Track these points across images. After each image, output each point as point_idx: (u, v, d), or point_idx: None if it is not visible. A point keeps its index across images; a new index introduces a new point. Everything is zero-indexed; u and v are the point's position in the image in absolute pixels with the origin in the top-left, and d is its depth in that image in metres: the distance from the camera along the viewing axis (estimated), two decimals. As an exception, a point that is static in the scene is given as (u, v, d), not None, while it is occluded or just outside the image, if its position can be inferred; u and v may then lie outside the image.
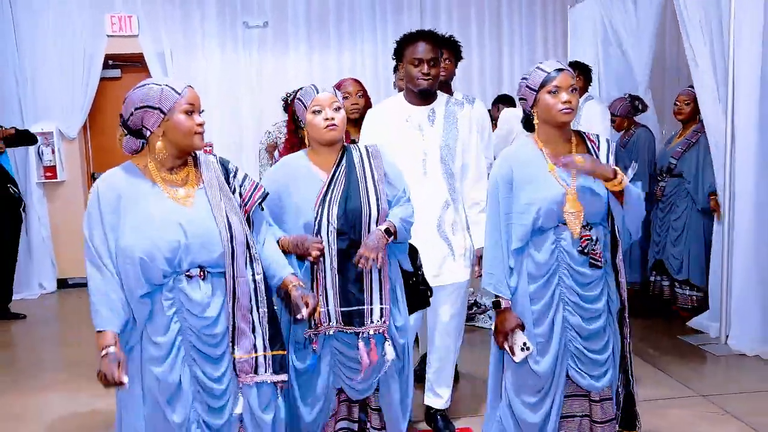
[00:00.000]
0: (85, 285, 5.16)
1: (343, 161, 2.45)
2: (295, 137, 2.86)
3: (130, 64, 6.57)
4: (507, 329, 2.33)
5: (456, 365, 3.42)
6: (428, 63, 2.83)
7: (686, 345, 4.27)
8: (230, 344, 2.03)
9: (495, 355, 2.49)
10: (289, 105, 3.01)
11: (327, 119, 2.37)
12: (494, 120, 4.73)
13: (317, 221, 2.35)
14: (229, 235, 2.03)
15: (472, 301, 4.67)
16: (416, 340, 3.60)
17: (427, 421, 3.15)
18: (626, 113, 4.98)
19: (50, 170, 6.31)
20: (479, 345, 4.10)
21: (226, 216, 2.06)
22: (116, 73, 6.63)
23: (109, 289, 1.96)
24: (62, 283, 6.46)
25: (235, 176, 2.16)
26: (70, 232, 6.35)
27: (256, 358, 2.08)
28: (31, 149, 6.15)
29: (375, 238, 2.32)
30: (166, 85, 1.99)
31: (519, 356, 2.34)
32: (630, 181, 2.29)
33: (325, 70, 6.55)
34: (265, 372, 2.09)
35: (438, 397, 3.12)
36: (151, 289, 1.96)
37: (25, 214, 5.61)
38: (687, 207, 4.59)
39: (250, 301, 2.07)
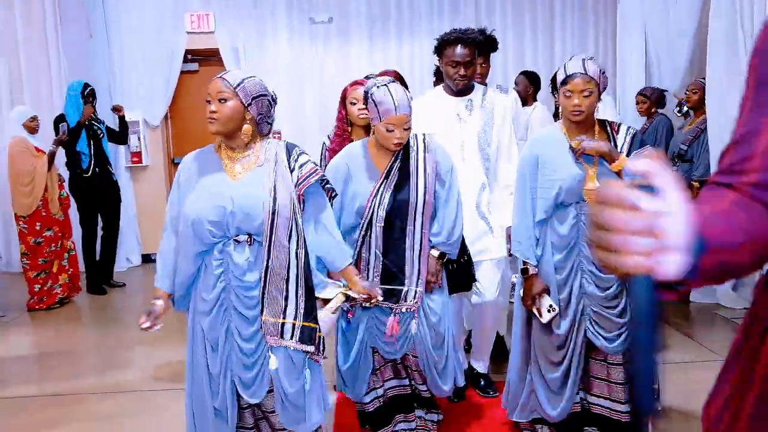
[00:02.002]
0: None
1: (400, 154, 2.65)
2: (346, 125, 3.27)
3: (207, 58, 7.12)
4: (534, 293, 2.61)
5: (503, 338, 3.77)
6: (464, 65, 3.09)
7: (709, 311, 4.57)
8: (260, 306, 2.21)
9: (520, 321, 2.74)
10: (342, 95, 3.31)
11: (397, 138, 2.55)
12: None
13: (370, 208, 2.59)
14: (272, 207, 2.20)
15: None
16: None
17: (471, 382, 3.46)
18: (655, 100, 5.24)
19: (136, 155, 6.96)
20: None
21: (274, 189, 2.22)
22: (194, 66, 7.21)
23: (167, 256, 2.31)
24: (146, 258, 7.12)
25: (297, 159, 2.30)
26: (152, 212, 7.00)
27: (283, 324, 2.22)
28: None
29: (434, 265, 2.65)
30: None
31: (546, 317, 2.59)
32: None
33: (385, 63, 6.88)
34: (291, 339, 2.23)
35: (480, 361, 3.46)
36: (203, 248, 2.22)
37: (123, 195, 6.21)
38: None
39: (287, 270, 2.22)
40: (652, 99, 5.24)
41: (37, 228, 5.33)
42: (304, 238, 2.28)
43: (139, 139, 6.94)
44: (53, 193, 5.40)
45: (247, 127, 2.23)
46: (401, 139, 2.56)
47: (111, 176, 5.81)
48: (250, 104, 2.20)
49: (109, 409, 3.52)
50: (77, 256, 5.74)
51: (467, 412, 3.29)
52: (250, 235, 2.23)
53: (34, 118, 5.37)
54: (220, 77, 2.22)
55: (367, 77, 3.52)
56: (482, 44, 3.32)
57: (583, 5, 7.15)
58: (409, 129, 2.58)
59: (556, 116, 4.81)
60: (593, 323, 2.61)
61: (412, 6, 7.05)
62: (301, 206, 2.30)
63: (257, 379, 2.25)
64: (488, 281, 3.24)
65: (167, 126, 7.27)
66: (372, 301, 2.42)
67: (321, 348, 2.30)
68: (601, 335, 2.60)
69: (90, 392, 3.73)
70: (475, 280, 3.00)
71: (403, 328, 2.66)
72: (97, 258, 5.93)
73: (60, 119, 5.46)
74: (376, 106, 2.53)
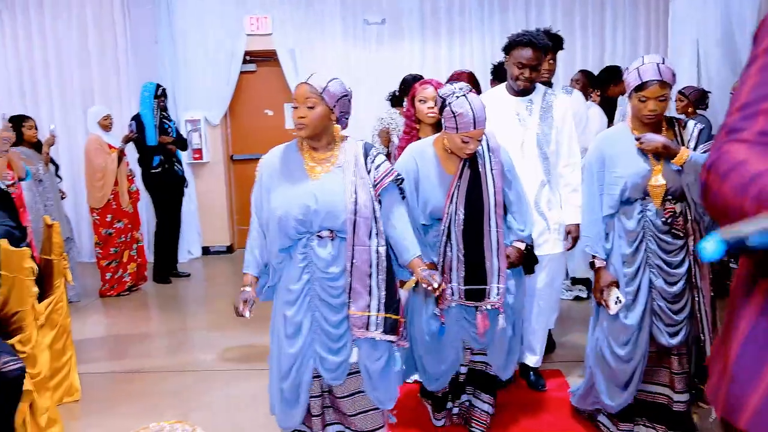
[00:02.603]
0: (223, 253, 6.23)
1: (468, 159, 2.71)
2: (414, 123, 3.32)
3: (265, 59, 7.41)
4: (602, 285, 2.70)
5: (551, 334, 3.84)
6: (530, 68, 3.17)
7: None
8: (348, 300, 2.36)
9: (593, 318, 2.88)
10: (409, 90, 3.39)
11: (470, 149, 2.64)
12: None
13: (447, 215, 2.69)
14: (353, 207, 2.33)
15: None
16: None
17: (521, 375, 3.55)
18: (694, 99, 5.26)
19: (197, 152, 7.29)
20: (579, 321, 4.50)
21: (355, 191, 2.35)
22: (252, 67, 7.50)
23: (254, 243, 2.46)
24: (205, 250, 7.46)
25: (373, 160, 2.42)
26: (212, 206, 7.37)
27: (369, 317, 2.35)
28: (183, 134, 7.14)
29: (519, 258, 2.80)
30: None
31: (613, 309, 2.67)
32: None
33: (435, 63, 7.09)
34: (376, 330, 2.37)
35: (532, 355, 3.49)
36: (288, 243, 2.37)
37: (186, 191, 6.54)
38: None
39: (370, 267, 2.35)
40: (690, 98, 5.27)
41: (108, 220, 5.69)
42: (384, 235, 2.41)
43: (200, 136, 7.27)
44: (123, 187, 5.75)
45: (336, 127, 2.40)
46: (474, 150, 2.65)
47: (178, 172, 6.14)
48: (334, 106, 2.32)
49: (177, 385, 3.81)
50: (144, 247, 6.09)
51: (526, 397, 3.39)
52: (332, 231, 2.37)
53: (107, 117, 5.73)
54: (306, 83, 2.32)
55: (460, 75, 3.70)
56: (552, 45, 3.37)
57: (634, 3, 7.16)
58: (480, 141, 2.67)
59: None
60: (657, 317, 2.69)
61: (462, 7, 7.18)
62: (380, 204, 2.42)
63: (341, 365, 2.40)
64: (540, 275, 3.31)
65: (226, 124, 7.58)
66: (434, 288, 2.42)
67: (404, 336, 2.47)
68: (665, 331, 2.68)
69: (160, 370, 4.04)
70: (537, 262, 3.04)
71: (491, 323, 2.76)
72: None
73: (136, 118, 5.81)
74: (454, 116, 2.57)
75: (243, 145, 7.63)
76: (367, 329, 2.36)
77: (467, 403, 3.00)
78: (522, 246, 2.81)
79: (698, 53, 6.10)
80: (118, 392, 3.73)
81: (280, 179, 2.41)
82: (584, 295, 5.11)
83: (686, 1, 6.26)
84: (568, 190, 3.29)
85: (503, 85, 3.38)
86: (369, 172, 2.41)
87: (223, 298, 5.45)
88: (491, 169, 2.72)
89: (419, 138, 3.26)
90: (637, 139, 2.64)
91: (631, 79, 2.61)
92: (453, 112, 2.57)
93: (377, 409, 2.51)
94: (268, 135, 7.45)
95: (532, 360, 3.52)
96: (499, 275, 2.72)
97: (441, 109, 2.65)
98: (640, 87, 2.57)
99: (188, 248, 7.27)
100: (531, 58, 3.15)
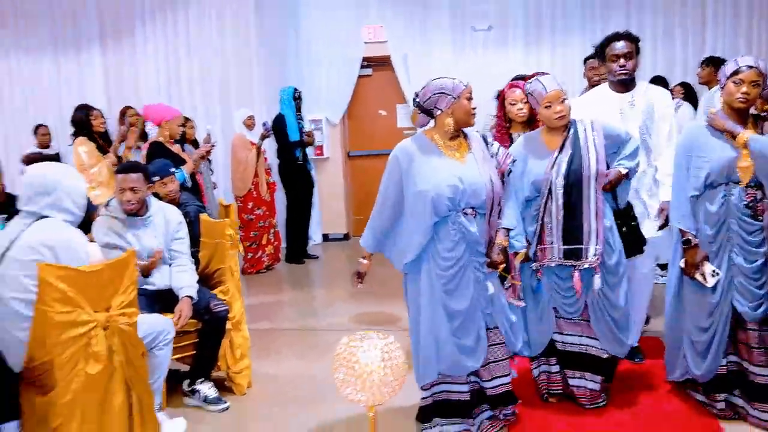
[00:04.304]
0: (341, 240, 6.99)
1: (570, 134, 3.06)
2: (504, 122, 3.83)
3: (380, 64, 8.14)
4: (696, 261, 2.97)
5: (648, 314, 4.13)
6: (624, 57, 3.43)
7: None
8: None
9: (673, 291, 3.11)
10: (500, 94, 3.85)
11: (556, 112, 3.01)
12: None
13: (548, 179, 2.99)
14: (491, 186, 2.78)
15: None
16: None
17: None
18: (765, 98, 5.44)
19: (319, 149, 8.09)
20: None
21: (489, 173, 2.80)
22: (369, 71, 8.25)
23: (376, 222, 2.89)
24: (325, 237, 8.28)
25: (491, 147, 2.92)
26: (331, 197, 8.16)
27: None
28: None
29: (615, 173, 3.05)
30: (455, 79, 2.80)
31: (711, 281, 2.91)
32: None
33: (539, 67, 7.44)
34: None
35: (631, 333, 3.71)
36: (438, 219, 2.76)
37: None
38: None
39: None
40: (763, 97, 5.43)
41: (249, 207, 6.58)
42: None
43: (321, 134, 8.08)
44: (262, 178, 6.63)
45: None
46: (561, 111, 2.98)
47: (308, 166, 6.97)
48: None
49: (313, 342, 4.57)
50: (279, 232, 6.95)
51: (629, 376, 3.58)
52: (473, 208, 2.80)
53: (250, 117, 6.62)
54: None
55: (517, 78, 4.07)
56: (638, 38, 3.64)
57: (735, 3, 7.32)
58: (565, 101, 2.99)
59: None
60: (738, 293, 2.95)
61: (565, 14, 7.62)
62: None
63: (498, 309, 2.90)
64: (643, 258, 3.49)
65: (345, 124, 8.36)
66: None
67: (520, 297, 3.03)
68: (746, 304, 2.93)
69: (300, 329, 4.84)
70: (645, 243, 3.25)
71: (586, 284, 3.03)
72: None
73: (278, 118, 6.68)
74: (533, 96, 3.04)
75: (359, 143, 8.40)
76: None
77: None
78: (624, 171, 3.08)
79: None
80: (270, 344, 4.53)
81: (423, 165, 2.78)
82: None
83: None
84: (665, 174, 3.49)
85: (606, 84, 3.67)
86: (492, 157, 2.90)
87: (344, 277, 6.26)
88: (594, 144, 3.03)
89: (510, 136, 3.71)
90: (711, 117, 2.96)
91: (727, 67, 2.92)
92: (530, 94, 3.06)
93: (507, 359, 2.98)
94: (381, 133, 8.23)
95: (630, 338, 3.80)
96: (597, 237, 2.99)
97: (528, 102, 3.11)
98: (737, 71, 2.87)
99: (310, 235, 8.06)
100: (623, 47, 3.44)
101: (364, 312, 5.16)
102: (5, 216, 3.74)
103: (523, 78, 3.87)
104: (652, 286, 3.86)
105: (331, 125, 8.18)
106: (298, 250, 7.08)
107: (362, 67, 8.11)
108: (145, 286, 3.37)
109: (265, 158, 6.75)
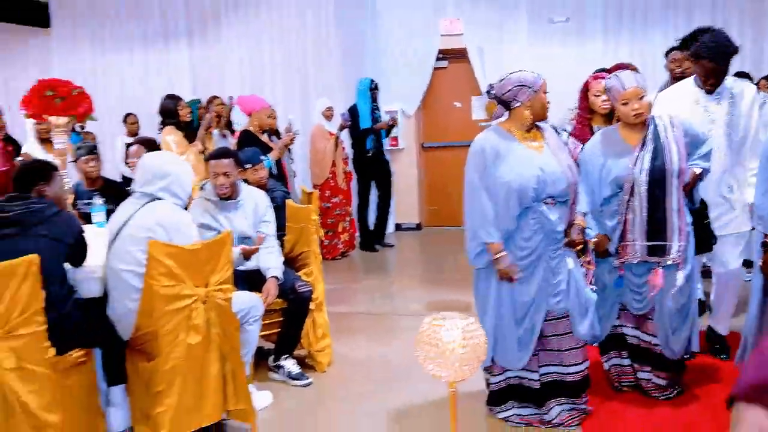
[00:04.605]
0: (413, 229, 7.12)
1: (650, 130, 3.07)
2: (586, 114, 3.82)
3: (456, 56, 8.20)
4: None
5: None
6: (714, 76, 3.45)
7: None
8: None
9: (756, 290, 3.00)
10: (584, 85, 3.84)
11: (634, 109, 3.01)
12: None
13: (631, 176, 3.00)
14: (570, 174, 2.88)
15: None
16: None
17: (707, 339, 3.76)
18: None
19: (394, 140, 8.22)
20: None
21: (567, 161, 2.90)
22: (444, 64, 8.33)
23: (488, 214, 2.87)
24: (397, 227, 8.43)
25: (562, 138, 3.11)
26: (405, 187, 8.27)
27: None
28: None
29: (691, 174, 3.09)
30: (534, 72, 2.89)
31: None
32: None
33: (616, 59, 7.36)
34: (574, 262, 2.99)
35: (720, 324, 3.74)
36: (521, 210, 2.86)
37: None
38: None
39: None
40: None
41: (326, 195, 6.79)
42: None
43: (397, 126, 8.22)
44: (339, 168, 6.84)
45: None
46: (638, 109, 2.99)
47: (383, 155, 7.14)
48: None
49: (388, 326, 4.77)
50: (355, 220, 7.15)
51: (711, 370, 3.60)
52: (552, 197, 2.90)
53: (329, 108, 6.83)
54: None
55: (602, 70, 4.03)
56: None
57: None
58: (643, 99, 2.99)
59: None
60: None
61: (646, 6, 7.48)
62: None
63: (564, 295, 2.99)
64: (731, 254, 3.58)
65: (419, 115, 8.48)
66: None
67: (591, 281, 3.19)
68: None
69: (375, 314, 5.00)
70: (715, 241, 3.31)
71: (667, 280, 3.07)
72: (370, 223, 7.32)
73: (352, 108, 6.87)
74: (611, 92, 3.08)
75: (433, 134, 8.51)
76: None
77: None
78: (698, 171, 3.14)
79: None
80: (347, 326, 4.72)
81: (506, 157, 2.87)
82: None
83: None
84: (750, 174, 3.47)
85: (691, 78, 3.66)
86: (564, 145, 3.02)
87: (417, 265, 6.48)
88: (675, 140, 3.05)
89: (591, 128, 3.72)
90: None
91: None
92: (609, 90, 3.09)
93: (581, 347, 3.05)
94: (456, 125, 8.32)
95: (719, 328, 3.77)
96: (680, 233, 3.03)
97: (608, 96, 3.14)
98: None
99: (383, 224, 8.27)
100: (713, 69, 3.43)
101: (437, 299, 5.30)
102: (104, 199, 4.07)
103: (609, 71, 3.83)
104: (739, 282, 3.81)
105: (406, 117, 8.31)
106: (371, 238, 7.25)
107: (438, 59, 8.18)
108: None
109: (343, 148, 6.95)
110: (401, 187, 8.29)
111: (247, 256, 3.40)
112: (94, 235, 3.25)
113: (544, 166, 2.87)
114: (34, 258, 2.51)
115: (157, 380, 2.81)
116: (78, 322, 2.79)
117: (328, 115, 6.83)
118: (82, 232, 2.89)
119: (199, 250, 2.87)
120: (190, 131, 5.72)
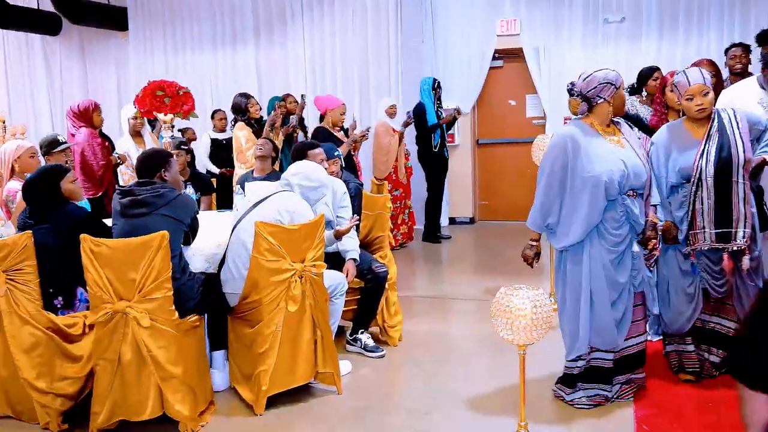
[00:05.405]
0: (466, 223, 7.48)
1: (715, 124, 3.20)
2: (663, 108, 4.02)
3: (511, 56, 8.49)
4: None
5: None
6: None
7: None
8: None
9: None
10: (645, 81, 4.15)
11: (697, 105, 3.17)
12: None
13: (698, 166, 3.15)
14: (649, 167, 3.09)
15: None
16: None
17: None
18: None
19: (450, 136, 8.53)
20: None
21: (645, 156, 3.09)
22: (500, 63, 8.62)
23: (544, 203, 3.08)
24: (452, 221, 8.77)
25: (635, 132, 3.20)
26: (460, 183, 8.61)
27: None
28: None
29: (758, 160, 3.17)
30: (614, 71, 3.06)
31: None
32: None
33: (671, 60, 7.50)
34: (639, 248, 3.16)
35: None
36: (606, 202, 3.00)
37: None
38: None
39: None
40: None
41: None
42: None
43: (460, 115, 8.50)
44: (401, 163, 7.21)
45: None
46: (702, 104, 3.14)
47: (446, 151, 7.51)
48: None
49: (448, 308, 5.17)
50: (414, 213, 7.53)
51: None
52: (634, 190, 3.07)
53: (392, 106, 7.21)
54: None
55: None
56: None
57: None
58: (707, 95, 3.13)
59: None
60: None
61: (702, 6, 7.59)
62: None
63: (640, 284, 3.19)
64: None
65: (474, 113, 8.80)
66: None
67: (652, 264, 3.30)
68: None
69: (434, 297, 5.35)
70: None
71: (736, 265, 3.24)
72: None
73: (418, 106, 7.24)
74: (677, 88, 3.22)
75: (487, 131, 8.82)
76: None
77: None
78: (766, 156, 3.22)
79: None
80: (410, 308, 5.10)
81: (591, 151, 3.00)
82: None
83: None
84: None
85: (755, 77, 3.81)
86: (639, 139, 3.18)
87: (471, 256, 6.89)
88: (739, 132, 3.19)
89: (668, 120, 3.85)
90: None
91: None
92: (675, 85, 3.26)
93: (642, 319, 3.27)
94: (510, 123, 8.61)
95: None
96: (745, 220, 3.17)
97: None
98: None
99: (437, 217, 8.61)
100: None
101: (491, 285, 5.60)
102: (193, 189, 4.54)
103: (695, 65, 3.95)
104: None
105: (463, 114, 8.62)
106: (434, 230, 7.62)
107: (494, 58, 8.48)
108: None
109: (405, 144, 7.32)
110: (456, 182, 8.62)
111: (338, 236, 3.79)
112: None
113: (627, 159, 3.03)
114: (165, 234, 2.96)
115: (260, 342, 3.23)
116: (193, 290, 3.23)
117: (392, 112, 7.20)
118: (198, 213, 3.33)
119: (297, 230, 3.28)
120: (259, 128, 6.14)
